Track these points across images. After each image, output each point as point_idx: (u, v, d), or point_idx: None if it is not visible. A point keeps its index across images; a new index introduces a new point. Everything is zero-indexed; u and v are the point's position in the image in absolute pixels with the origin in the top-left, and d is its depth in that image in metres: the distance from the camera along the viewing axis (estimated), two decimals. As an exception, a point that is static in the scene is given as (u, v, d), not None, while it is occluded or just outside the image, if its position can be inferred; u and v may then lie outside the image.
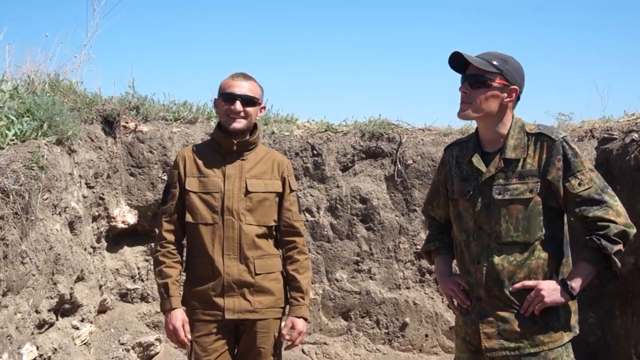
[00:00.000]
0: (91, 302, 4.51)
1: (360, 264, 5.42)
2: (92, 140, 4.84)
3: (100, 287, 4.85)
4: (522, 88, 2.57)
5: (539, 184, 2.46)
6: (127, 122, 5.22)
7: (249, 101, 3.00)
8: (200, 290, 2.98)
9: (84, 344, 4.45)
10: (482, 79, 2.50)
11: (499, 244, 2.49)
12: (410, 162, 5.41)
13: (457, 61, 2.54)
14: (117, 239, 5.20)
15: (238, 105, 2.98)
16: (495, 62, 2.50)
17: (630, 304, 4.61)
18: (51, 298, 3.86)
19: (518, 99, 2.58)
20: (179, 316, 2.93)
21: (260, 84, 3.10)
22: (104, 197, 4.96)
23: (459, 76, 2.59)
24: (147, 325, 5.18)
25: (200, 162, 3.04)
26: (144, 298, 5.24)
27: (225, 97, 3.00)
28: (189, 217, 2.99)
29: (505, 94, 2.51)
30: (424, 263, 5.33)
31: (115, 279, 5.17)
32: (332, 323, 5.41)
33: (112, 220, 5.06)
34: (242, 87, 3.01)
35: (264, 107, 3.13)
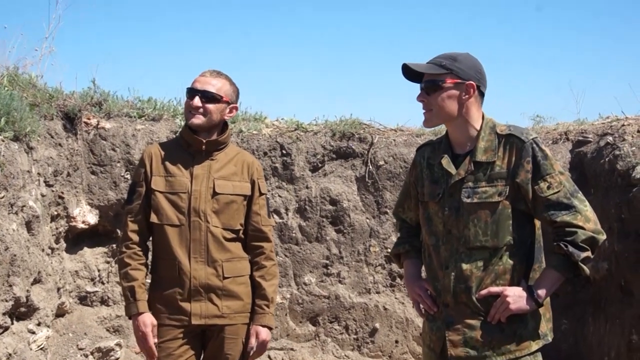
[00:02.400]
0: (48, 306, 4.50)
1: (329, 267, 5.47)
2: (52, 137, 4.83)
3: (59, 289, 4.83)
4: (481, 82, 2.59)
5: (508, 187, 2.48)
6: (88, 119, 5.20)
7: (210, 98, 3.00)
8: (165, 295, 2.98)
9: (41, 349, 4.43)
10: (434, 84, 2.54)
11: (467, 248, 2.51)
12: (381, 163, 5.48)
13: (411, 72, 2.60)
14: (76, 239, 5.19)
15: (196, 101, 2.99)
16: (444, 63, 2.54)
17: (603, 311, 4.67)
18: (6, 301, 3.85)
19: (482, 95, 2.61)
20: (148, 320, 2.93)
21: (234, 83, 3.11)
22: (64, 196, 4.95)
23: None
24: (107, 330, 5.17)
25: (167, 161, 3.04)
26: (104, 301, 5.23)
27: (188, 93, 3.03)
28: (154, 218, 3.00)
29: (462, 92, 2.55)
30: (395, 267, 5.39)
31: (75, 282, 5.16)
32: (300, 328, 5.45)
33: (72, 220, 5.05)
34: (204, 83, 3.02)
35: (235, 107, 3.13)
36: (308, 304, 5.47)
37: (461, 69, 2.53)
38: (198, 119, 3.00)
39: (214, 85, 3.02)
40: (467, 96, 2.54)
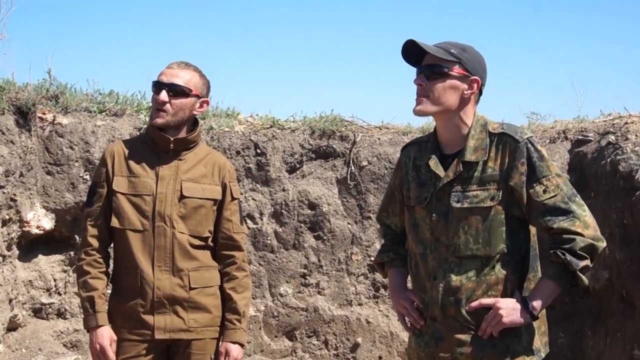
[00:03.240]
0: (-1, 319, 4.43)
1: (307, 277, 5.41)
2: (3, 134, 4.76)
3: (10, 301, 4.77)
4: (484, 80, 2.59)
5: (501, 190, 2.47)
6: (44, 113, 5.11)
7: (178, 92, 2.96)
8: (127, 307, 2.96)
9: (-9, 366, 4.33)
10: (439, 69, 2.51)
11: (457, 257, 2.49)
12: (365, 163, 5.43)
13: (411, 52, 2.56)
14: (30, 246, 5.11)
15: (162, 95, 2.95)
16: (453, 51, 2.52)
17: (603, 324, 4.66)
18: (-49, 314, 3.76)
19: (480, 93, 2.61)
20: (107, 334, 2.91)
21: (205, 75, 3.09)
22: (16, 199, 4.86)
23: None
24: (64, 345, 5.08)
25: (130, 161, 3.01)
26: (60, 314, 5.13)
27: (154, 87, 3.00)
28: (115, 222, 2.97)
29: (466, 85, 2.53)
30: (379, 277, 5.35)
31: (28, 292, 5.06)
32: (275, 343, 5.39)
33: (26, 225, 4.96)
34: (171, 76, 2.99)
35: (206, 102, 3.11)
36: (284, 317, 5.40)
37: (470, 61, 2.53)
38: (162, 118, 2.97)
39: (182, 78, 2.99)
40: (470, 91, 2.54)
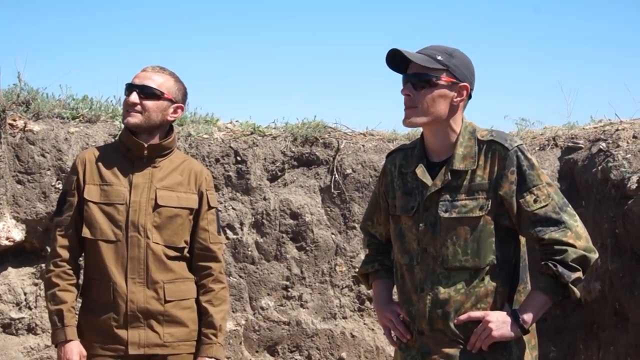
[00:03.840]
0: (-33, 334, 4.41)
1: (289, 289, 5.38)
2: None
3: None
4: (472, 85, 2.58)
5: (490, 200, 2.46)
6: (14, 120, 5.07)
7: (149, 94, 2.97)
8: (98, 321, 2.93)
9: (-43, 384, 4.26)
10: (426, 78, 2.49)
11: (445, 269, 2.48)
12: (349, 171, 5.41)
13: (396, 60, 2.55)
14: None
15: (133, 97, 2.96)
16: (439, 57, 2.50)
17: (596, 337, 4.67)
18: None
19: (469, 97, 2.59)
20: (75, 349, 2.89)
21: (181, 81, 3.11)
22: None
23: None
24: None
25: (103, 168, 3.01)
26: (31, 329, 5.08)
27: (125, 89, 3.02)
28: (86, 232, 2.95)
29: (455, 93, 2.51)
30: (364, 289, 5.32)
31: None
32: (256, 358, 5.35)
33: None
34: (143, 78, 3.01)
35: (180, 108, 3.11)
36: (265, 331, 5.36)
37: (457, 67, 2.52)
38: (134, 118, 2.97)
39: (155, 81, 3.00)
40: (459, 98, 2.53)
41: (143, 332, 2.92)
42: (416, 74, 2.50)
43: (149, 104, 2.97)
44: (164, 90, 2.99)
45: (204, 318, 3.04)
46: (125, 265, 2.92)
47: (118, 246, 2.92)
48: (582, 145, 5.14)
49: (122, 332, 2.91)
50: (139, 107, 2.95)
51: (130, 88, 2.98)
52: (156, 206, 2.96)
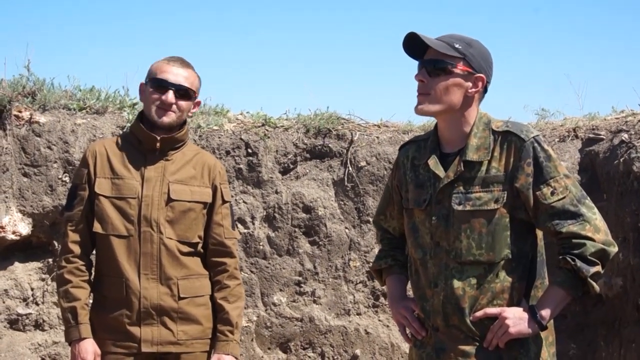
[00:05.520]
0: (-27, 331, 4.45)
1: (302, 285, 5.43)
2: None
3: None
4: (489, 77, 2.59)
5: (506, 192, 2.48)
6: (20, 111, 5.12)
7: (184, 93, 3.01)
8: (111, 318, 2.97)
9: (-36, 381, 4.35)
10: (442, 65, 2.51)
11: (459, 263, 2.50)
12: (363, 163, 5.45)
13: (413, 45, 2.56)
14: (6, 253, 5.12)
15: (171, 96, 2.98)
16: (457, 46, 2.52)
17: (617, 334, 4.67)
18: None
19: (485, 90, 2.61)
20: (90, 348, 2.92)
21: (198, 74, 3.13)
22: None
23: None
24: (43, 359, 5.08)
25: (114, 161, 3.03)
26: (38, 325, 5.14)
27: (156, 84, 3.01)
28: (98, 227, 2.98)
29: (470, 83, 2.53)
30: (379, 284, 5.24)
31: (4, 302, 5.07)
32: (268, 355, 5.39)
33: (1, 230, 4.99)
34: (177, 75, 3.01)
35: (199, 103, 3.17)
36: (278, 328, 5.41)
37: (475, 57, 2.53)
38: (169, 117, 3.01)
39: (187, 79, 3.03)
40: (474, 89, 2.55)
41: (156, 329, 2.96)
42: (432, 60, 2.52)
43: (184, 104, 3.01)
44: (194, 89, 3.05)
45: (219, 315, 3.07)
46: (138, 261, 2.94)
47: (130, 241, 2.95)
48: (604, 137, 5.13)
49: (134, 330, 2.94)
50: (174, 107, 2.99)
51: (165, 85, 2.98)
52: (169, 200, 2.99)
